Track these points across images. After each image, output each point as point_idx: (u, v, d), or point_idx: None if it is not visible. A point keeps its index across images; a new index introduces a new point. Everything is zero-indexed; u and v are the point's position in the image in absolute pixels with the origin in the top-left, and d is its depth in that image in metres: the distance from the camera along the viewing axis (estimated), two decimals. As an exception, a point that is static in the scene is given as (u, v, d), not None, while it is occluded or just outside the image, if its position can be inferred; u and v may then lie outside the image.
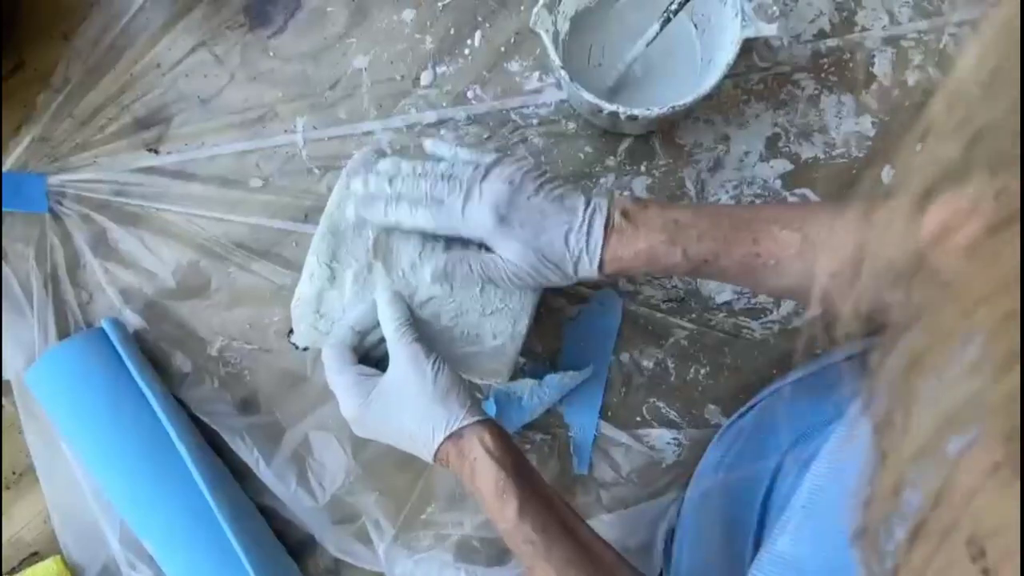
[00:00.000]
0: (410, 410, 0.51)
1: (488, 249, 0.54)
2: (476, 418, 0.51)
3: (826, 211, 0.50)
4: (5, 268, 0.69)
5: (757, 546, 0.53)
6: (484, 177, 0.52)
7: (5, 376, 0.68)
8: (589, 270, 0.52)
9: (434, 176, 0.53)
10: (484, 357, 0.57)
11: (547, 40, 0.61)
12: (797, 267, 0.49)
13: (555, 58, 0.61)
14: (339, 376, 0.54)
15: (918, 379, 0.26)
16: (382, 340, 0.55)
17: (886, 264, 0.40)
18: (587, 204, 0.52)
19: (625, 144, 0.69)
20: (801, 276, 0.49)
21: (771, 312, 0.68)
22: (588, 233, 0.51)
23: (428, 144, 0.59)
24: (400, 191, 0.54)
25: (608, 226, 0.51)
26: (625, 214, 0.51)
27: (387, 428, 0.53)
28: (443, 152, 0.58)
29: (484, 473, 0.49)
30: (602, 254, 0.51)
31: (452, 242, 0.56)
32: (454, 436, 0.51)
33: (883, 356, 0.27)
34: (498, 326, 0.56)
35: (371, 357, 0.57)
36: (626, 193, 0.69)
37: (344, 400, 0.54)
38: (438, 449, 0.51)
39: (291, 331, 0.61)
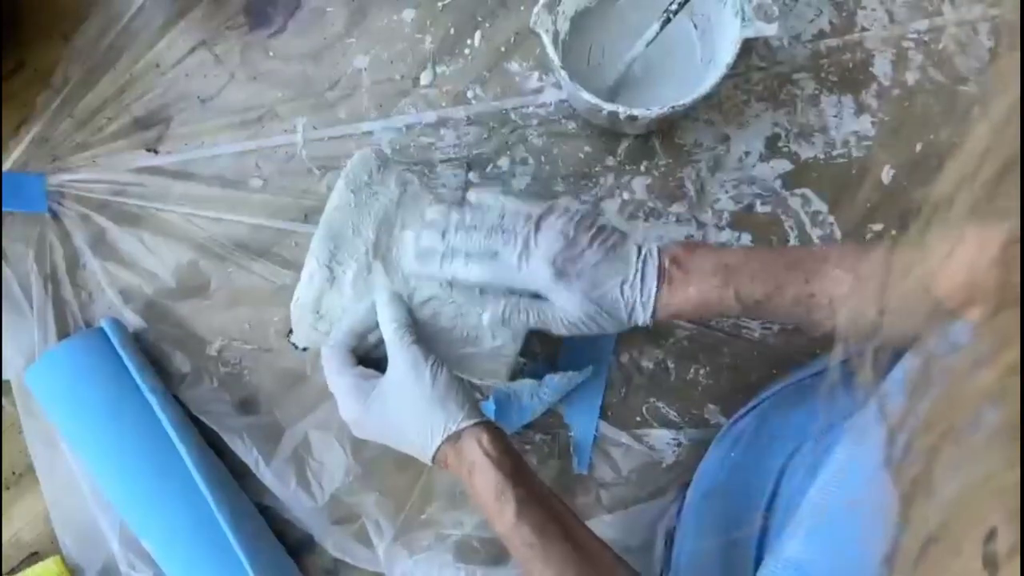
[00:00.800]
0: (408, 412, 0.51)
1: (541, 297, 0.55)
2: (474, 420, 0.51)
3: (879, 250, 0.50)
4: (5, 268, 0.69)
5: (760, 548, 0.53)
6: (537, 229, 0.53)
7: (5, 376, 0.68)
8: (643, 318, 0.53)
9: (486, 229, 0.54)
10: (483, 358, 0.57)
11: (547, 40, 0.61)
12: (852, 305, 0.48)
13: (555, 58, 0.61)
14: (338, 378, 0.54)
15: (942, 444, 0.26)
16: (382, 341, 0.55)
17: (903, 312, 0.40)
18: (639, 253, 0.53)
19: (625, 144, 0.69)
20: (856, 314, 0.49)
21: (771, 312, 0.68)
22: (642, 283, 0.52)
23: (473, 195, 0.58)
24: (454, 245, 0.54)
25: (660, 275, 0.52)
26: (675, 260, 0.53)
27: (386, 430, 0.53)
28: (489, 202, 0.57)
29: (482, 475, 0.49)
30: (655, 303, 0.52)
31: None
32: (452, 438, 0.51)
33: (905, 415, 0.28)
34: (498, 327, 0.56)
35: (371, 358, 0.57)
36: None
37: (343, 402, 0.54)
38: (436, 451, 0.51)
39: (291, 331, 0.61)
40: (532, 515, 0.48)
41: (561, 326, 0.54)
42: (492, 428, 0.51)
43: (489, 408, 0.66)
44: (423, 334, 0.54)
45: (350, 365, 0.54)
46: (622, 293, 0.52)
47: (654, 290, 0.52)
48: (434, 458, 0.51)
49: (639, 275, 0.52)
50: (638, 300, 0.52)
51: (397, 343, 0.53)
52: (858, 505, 0.36)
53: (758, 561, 0.52)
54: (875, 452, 0.36)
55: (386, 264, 0.56)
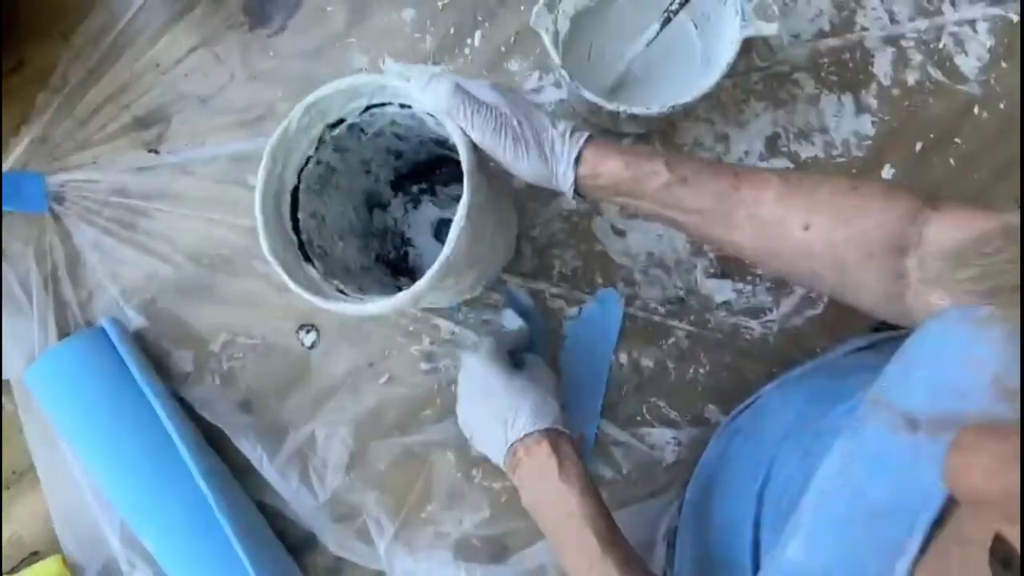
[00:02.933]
0: (505, 409, 0.55)
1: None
2: (560, 424, 0.55)
3: (814, 174, 0.51)
4: (5, 268, 0.69)
5: (755, 539, 0.53)
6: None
7: (5, 376, 0.68)
8: (566, 167, 0.50)
9: None
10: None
11: (547, 39, 0.61)
12: (776, 213, 0.48)
13: (555, 57, 0.61)
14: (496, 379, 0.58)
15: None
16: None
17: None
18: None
19: (625, 143, 0.69)
20: (777, 226, 0.48)
21: (770, 311, 0.68)
22: (567, 136, 0.51)
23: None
24: None
25: (585, 140, 0.51)
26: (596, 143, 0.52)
27: (489, 412, 0.57)
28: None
29: (551, 478, 0.53)
30: (581, 150, 0.50)
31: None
32: (550, 432, 0.55)
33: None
34: None
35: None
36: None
37: (468, 396, 0.59)
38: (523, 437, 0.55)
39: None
40: (585, 514, 0.52)
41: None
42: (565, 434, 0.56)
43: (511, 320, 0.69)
44: None
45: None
46: (551, 130, 0.50)
47: (581, 141, 0.50)
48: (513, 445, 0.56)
49: (566, 130, 0.51)
50: (564, 144, 0.50)
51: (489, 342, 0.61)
52: (856, 505, 0.36)
53: (754, 554, 0.53)
54: (872, 452, 0.36)
55: None
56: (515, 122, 0.49)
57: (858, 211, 0.46)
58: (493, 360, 0.58)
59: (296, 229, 0.55)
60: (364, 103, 0.53)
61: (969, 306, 0.33)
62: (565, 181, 0.50)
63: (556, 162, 0.50)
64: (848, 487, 0.37)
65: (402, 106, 0.53)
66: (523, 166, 0.50)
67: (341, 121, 0.54)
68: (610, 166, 0.50)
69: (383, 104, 0.53)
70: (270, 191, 0.52)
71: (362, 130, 0.56)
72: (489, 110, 0.49)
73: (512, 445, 0.54)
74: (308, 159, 0.54)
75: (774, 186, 0.48)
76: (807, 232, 0.47)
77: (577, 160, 0.50)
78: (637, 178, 0.50)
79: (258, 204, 0.51)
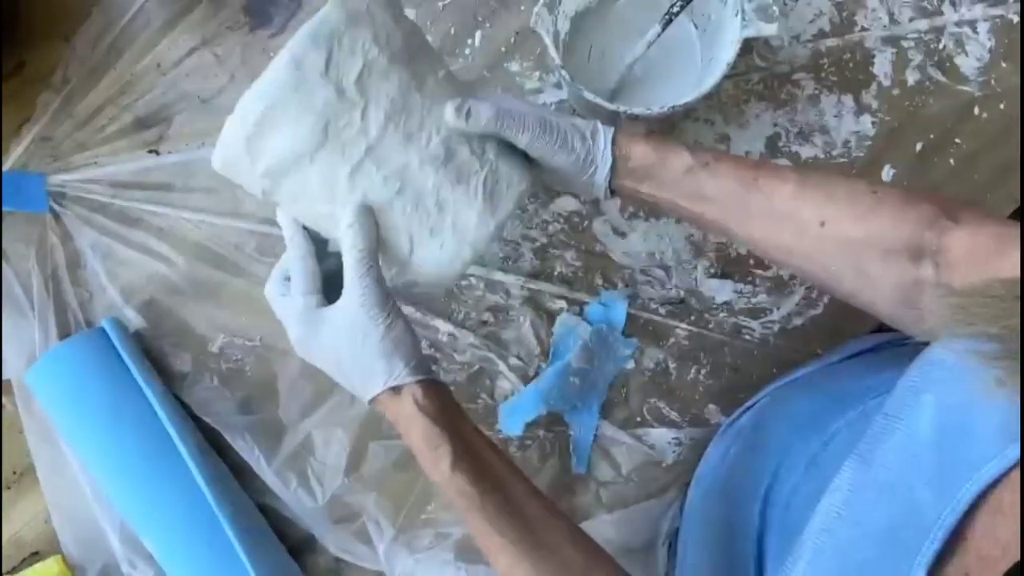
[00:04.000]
0: (354, 353, 0.50)
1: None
2: (417, 377, 0.50)
3: (834, 174, 0.51)
4: (5, 268, 0.69)
5: (759, 544, 0.53)
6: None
7: (5, 376, 0.68)
8: (604, 147, 0.52)
9: None
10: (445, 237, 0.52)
11: (547, 40, 0.61)
12: (793, 207, 0.48)
13: (555, 57, 0.61)
14: (282, 299, 0.53)
15: None
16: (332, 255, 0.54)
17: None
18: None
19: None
20: (793, 220, 0.48)
21: (771, 312, 0.68)
22: (598, 125, 0.53)
23: None
24: None
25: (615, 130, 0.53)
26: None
27: (328, 363, 0.52)
28: None
29: (417, 429, 0.49)
30: (614, 135, 0.52)
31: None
32: (392, 389, 0.50)
33: None
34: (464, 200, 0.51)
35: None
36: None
37: (289, 325, 0.52)
38: (375, 398, 0.51)
39: None
40: (467, 465, 0.48)
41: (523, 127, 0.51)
42: (431, 385, 0.51)
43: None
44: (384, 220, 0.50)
45: (305, 290, 0.51)
46: (579, 131, 0.52)
47: (611, 133, 0.52)
48: (371, 401, 0.51)
49: (596, 126, 0.52)
50: (598, 133, 0.52)
51: (357, 278, 0.49)
52: (862, 535, 0.36)
53: (758, 557, 0.53)
54: (880, 483, 0.36)
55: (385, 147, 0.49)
56: (553, 120, 0.51)
57: (875, 211, 0.46)
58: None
59: None
60: None
61: (978, 339, 0.33)
62: (604, 164, 0.51)
63: (595, 147, 0.51)
64: (854, 516, 0.37)
65: None
66: (565, 159, 0.51)
67: None
68: (639, 149, 0.51)
69: None
70: None
71: None
72: (530, 115, 0.51)
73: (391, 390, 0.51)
74: None
75: (792, 181, 0.49)
76: (823, 228, 0.47)
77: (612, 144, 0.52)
78: (662, 161, 0.51)
79: None
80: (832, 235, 0.47)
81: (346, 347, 0.50)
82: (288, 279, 0.53)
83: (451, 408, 0.51)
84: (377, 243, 0.50)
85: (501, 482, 0.49)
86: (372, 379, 0.50)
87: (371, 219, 0.50)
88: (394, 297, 0.50)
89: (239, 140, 0.48)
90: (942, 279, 0.44)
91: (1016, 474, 0.31)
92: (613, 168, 0.51)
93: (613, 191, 0.53)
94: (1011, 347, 0.30)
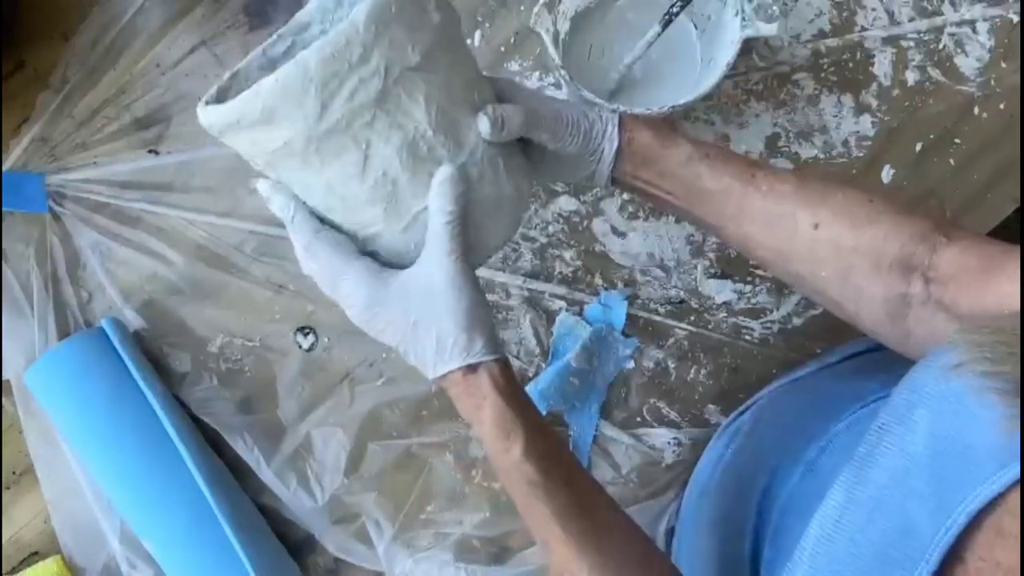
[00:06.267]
0: (431, 324, 0.46)
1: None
2: (494, 356, 0.47)
3: (833, 181, 0.51)
4: (5, 268, 0.69)
5: (754, 545, 0.53)
6: None
7: (5, 376, 0.68)
8: (612, 129, 0.51)
9: None
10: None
11: (547, 39, 0.61)
12: (788, 207, 0.48)
13: (555, 57, 0.61)
14: (346, 267, 0.47)
15: None
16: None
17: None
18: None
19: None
20: (788, 220, 0.48)
21: (771, 312, 0.68)
22: (603, 110, 0.52)
23: None
24: None
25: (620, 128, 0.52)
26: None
27: (395, 332, 0.48)
28: None
29: (493, 409, 0.46)
30: (620, 129, 0.51)
31: None
32: (468, 367, 0.47)
33: None
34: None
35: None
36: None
37: (354, 288, 0.47)
38: (446, 374, 0.47)
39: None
40: (538, 454, 0.46)
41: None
42: (506, 365, 0.48)
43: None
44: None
45: (356, 251, 0.48)
46: (587, 116, 0.51)
47: (617, 119, 0.52)
48: (438, 377, 0.48)
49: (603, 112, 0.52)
50: (604, 120, 0.51)
51: (445, 245, 0.45)
52: (856, 551, 0.36)
53: (752, 560, 0.53)
54: (875, 499, 0.36)
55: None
56: (565, 112, 0.50)
57: (870, 221, 0.46)
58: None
59: None
60: None
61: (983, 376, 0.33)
62: (611, 146, 0.50)
63: (602, 129, 0.51)
64: (849, 533, 0.36)
65: None
66: (574, 141, 0.50)
67: None
68: (643, 135, 0.51)
69: None
70: None
71: None
72: (547, 111, 0.50)
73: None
74: None
75: (790, 182, 0.49)
76: (816, 231, 0.47)
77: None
78: (664, 149, 0.51)
79: None
80: (825, 239, 0.47)
81: (422, 316, 0.46)
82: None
83: (523, 394, 0.49)
84: (465, 212, 0.46)
85: (571, 476, 0.47)
86: (448, 352, 0.46)
87: (464, 185, 0.46)
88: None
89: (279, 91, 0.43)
90: (932, 295, 0.44)
91: (1016, 496, 0.30)
92: (616, 153, 0.51)
93: (614, 179, 0.52)
94: (1012, 372, 0.30)
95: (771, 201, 0.49)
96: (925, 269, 0.44)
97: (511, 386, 0.47)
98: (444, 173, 0.46)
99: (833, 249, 0.46)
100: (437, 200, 0.46)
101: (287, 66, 0.42)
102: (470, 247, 0.48)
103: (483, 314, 0.47)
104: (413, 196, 0.46)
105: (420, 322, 0.47)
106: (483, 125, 0.47)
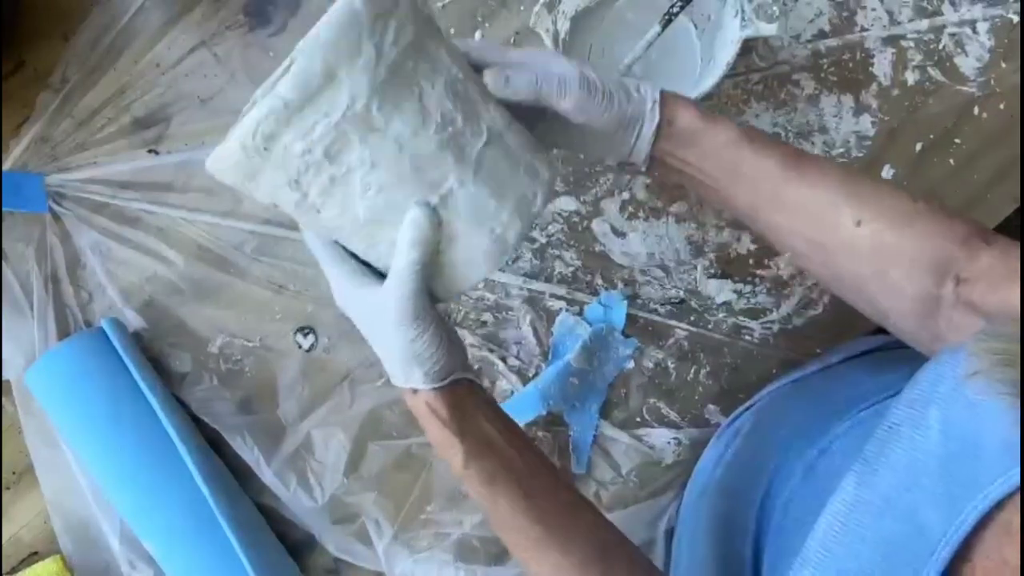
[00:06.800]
0: (377, 345, 0.49)
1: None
2: (431, 385, 0.48)
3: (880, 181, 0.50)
4: (5, 268, 0.69)
5: (756, 545, 0.53)
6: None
7: (5, 376, 0.68)
8: (652, 104, 0.49)
9: None
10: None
11: (547, 40, 0.61)
12: (832, 200, 0.47)
13: (555, 58, 0.61)
14: (332, 267, 0.49)
15: None
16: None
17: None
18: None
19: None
20: (830, 214, 0.47)
21: (771, 312, 0.68)
22: (642, 82, 0.50)
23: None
24: None
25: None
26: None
27: (365, 331, 0.50)
28: None
29: (431, 429, 0.48)
30: (661, 107, 0.49)
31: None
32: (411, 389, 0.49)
33: None
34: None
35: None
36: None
37: (337, 287, 0.49)
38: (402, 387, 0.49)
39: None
40: (479, 467, 0.47)
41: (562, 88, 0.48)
42: (447, 389, 0.48)
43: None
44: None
45: (348, 258, 0.49)
46: (624, 87, 0.49)
47: (658, 91, 0.49)
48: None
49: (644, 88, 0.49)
50: (639, 89, 0.49)
51: (398, 285, 0.46)
52: (862, 553, 0.36)
53: (754, 560, 0.53)
54: (882, 500, 0.36)
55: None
56: (595, 78, 0.48)
57: (913, 221, 0.46)
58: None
59: None
60: None
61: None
62: (651, 123, 0.49)
63: (643, 105, 0.49)
64: (858, 530, 0.36)
65: None
66: (610, 118, 0.48)
67: None
68: (687, 113, 0.49)
69: None
70: None
71: None
72: (571, 75, 0.47)
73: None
74: None
75: (836, 175, 0.48)
76: (857, 228, 0.46)
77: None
78: (708, 129, 0.49)
79: None
80: (866, 235, 0.46)
81: (373, 335, 0.49)
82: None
83: (467, 407, 0.49)
84: (430, 256, 0.46)
85: (517, 479, 0.48)
86: (392, 372, 0.48)
87: (433, 226, 0.45)
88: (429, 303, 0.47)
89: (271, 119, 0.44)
90: (962, 297, 0.43)
91: None
92: (656, 130, 0.49)
93: (651, 158, 0.51)
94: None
95: (815, 192, 0.48)
96: (961, 270, 0.44)
97: (448, 407, 0.48)
98: (411, 214, 0.45)
99: (874, 246, 0.46)
100: (404, 237, 0.45)
101: (335, 8, 0.41)
102: (454, 267, 0.47)
103: (426, 351, 0.46)
104: (473, 135, 0.45)
105: (371, 339, 0.49)
106: (488, 78, 0.46)
